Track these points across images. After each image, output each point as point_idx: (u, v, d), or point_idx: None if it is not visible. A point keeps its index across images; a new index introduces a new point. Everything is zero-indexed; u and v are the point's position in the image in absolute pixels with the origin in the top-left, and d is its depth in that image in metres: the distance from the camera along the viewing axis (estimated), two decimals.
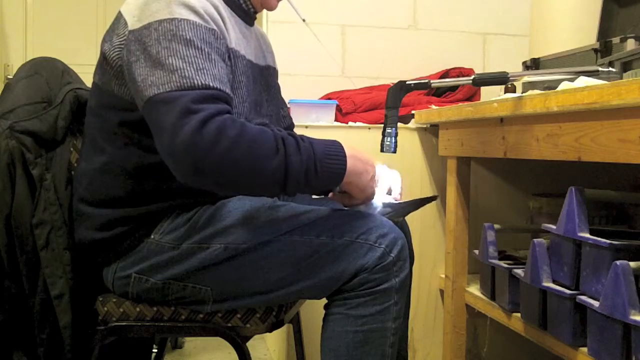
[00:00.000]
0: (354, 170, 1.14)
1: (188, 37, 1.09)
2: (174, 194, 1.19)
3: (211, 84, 1.07)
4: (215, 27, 1.15)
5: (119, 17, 1.18)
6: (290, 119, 1.60)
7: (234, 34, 1.25)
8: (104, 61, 1.19)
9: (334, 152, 1.12)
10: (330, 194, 1.23)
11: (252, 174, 1.04)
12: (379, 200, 1.26)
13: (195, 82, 1.05)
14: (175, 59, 1.07)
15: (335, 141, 1.15)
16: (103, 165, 1.20)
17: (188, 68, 1.06)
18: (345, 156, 1.13)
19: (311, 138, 1.13)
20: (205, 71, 1.07)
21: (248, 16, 1.36)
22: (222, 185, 1.06)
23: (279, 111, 1.52)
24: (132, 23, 1.13)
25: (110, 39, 1.17)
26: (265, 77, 1.43)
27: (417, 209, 1.37)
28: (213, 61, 1.10)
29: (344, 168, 1.12)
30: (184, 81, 1.05)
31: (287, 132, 1.11)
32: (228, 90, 1.11)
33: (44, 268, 1.22)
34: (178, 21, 1.10)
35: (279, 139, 1.07)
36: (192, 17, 1.11)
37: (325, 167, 1.10)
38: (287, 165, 1.05)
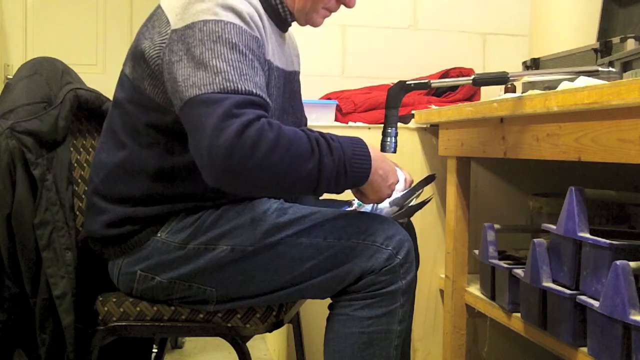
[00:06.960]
0: (376, 171, 1.13)
1: (233, 41, 1.07)
2: (185, 197, 1.19)
3: (254, 91, 1.05)
4: (258, 35, 1.14)
5: (160, 13, 1.15)
6: (306, 118, 1.58)
7: (271, 43, 1.24)
8: (140, 58, 1.16)
9: (361, 152, 1.11)
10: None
11: (289, 175, 1.04)
12: (386, 200, 1.25)
13: (239, 86, 1.04)
14: (219, 61, 1.05)
15: (359, 139, 1.14)
16: (122, 160, 1.20)
17: (232, 72, 1.05)
18: (370, 156, 1.12)
19: (338, 136, 1.11)
20: (248, 77, 1.06)
21: (283, 23, 1.33)
22: (255, 187, 1.05)
23: (299, 114, 1.50)
24: (175, 22, 1.11)
25: (152, 37, 1.14)
26: (291, 83, 1.42)
27: (420, 204, 1.36)
28: (255, 69, 1.09)
29: (369, 168, 1.12)
30: (228, 84, 1.04)
31: (317, 131, 1.10)
32: (268, 100, 1.10)
33: (45, 268, 1.22)
34: (224, 23, 1.08)
35: (313, 140, 1.06)
36: (238, 22, 1.10)
37: (354, 167, 1.09)
38: (320, 167, 1.05)
